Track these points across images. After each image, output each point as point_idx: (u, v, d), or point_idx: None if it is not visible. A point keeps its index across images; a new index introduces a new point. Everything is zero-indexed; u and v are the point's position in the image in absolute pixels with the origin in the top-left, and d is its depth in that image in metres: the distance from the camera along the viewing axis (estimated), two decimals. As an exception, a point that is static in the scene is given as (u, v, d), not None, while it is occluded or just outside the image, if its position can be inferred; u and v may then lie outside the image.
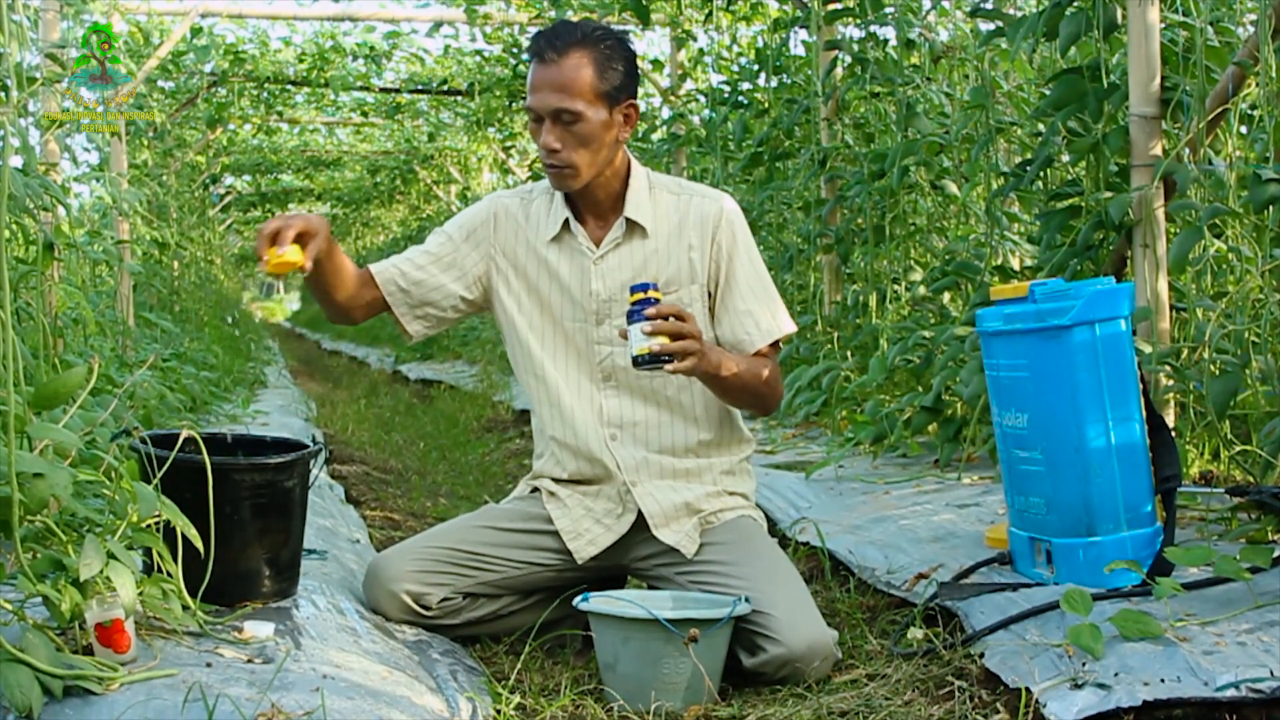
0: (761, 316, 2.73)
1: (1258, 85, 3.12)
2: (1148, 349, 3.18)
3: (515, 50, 9.58)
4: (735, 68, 7.58)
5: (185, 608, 2.11)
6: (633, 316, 2.44)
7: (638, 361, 2.44)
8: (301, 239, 2.44)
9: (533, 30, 9.19)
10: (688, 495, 2.73)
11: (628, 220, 2.73)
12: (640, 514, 2.72)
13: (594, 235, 2.77)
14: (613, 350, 2.74)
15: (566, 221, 2.76)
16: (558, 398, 2.78)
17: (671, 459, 2.76)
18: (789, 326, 2.78)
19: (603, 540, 2.75)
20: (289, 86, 10.97)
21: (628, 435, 2.75)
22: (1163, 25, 3.33)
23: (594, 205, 2.76)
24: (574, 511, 2.76)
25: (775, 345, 2.75)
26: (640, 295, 2.45)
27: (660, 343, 2.42)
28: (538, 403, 2.84)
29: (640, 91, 9.66)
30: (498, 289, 2.82)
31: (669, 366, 2.44)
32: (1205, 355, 3.04)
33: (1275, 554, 2.30)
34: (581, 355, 2.77)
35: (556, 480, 2.81)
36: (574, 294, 2.75)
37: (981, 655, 2.25)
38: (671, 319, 2.43)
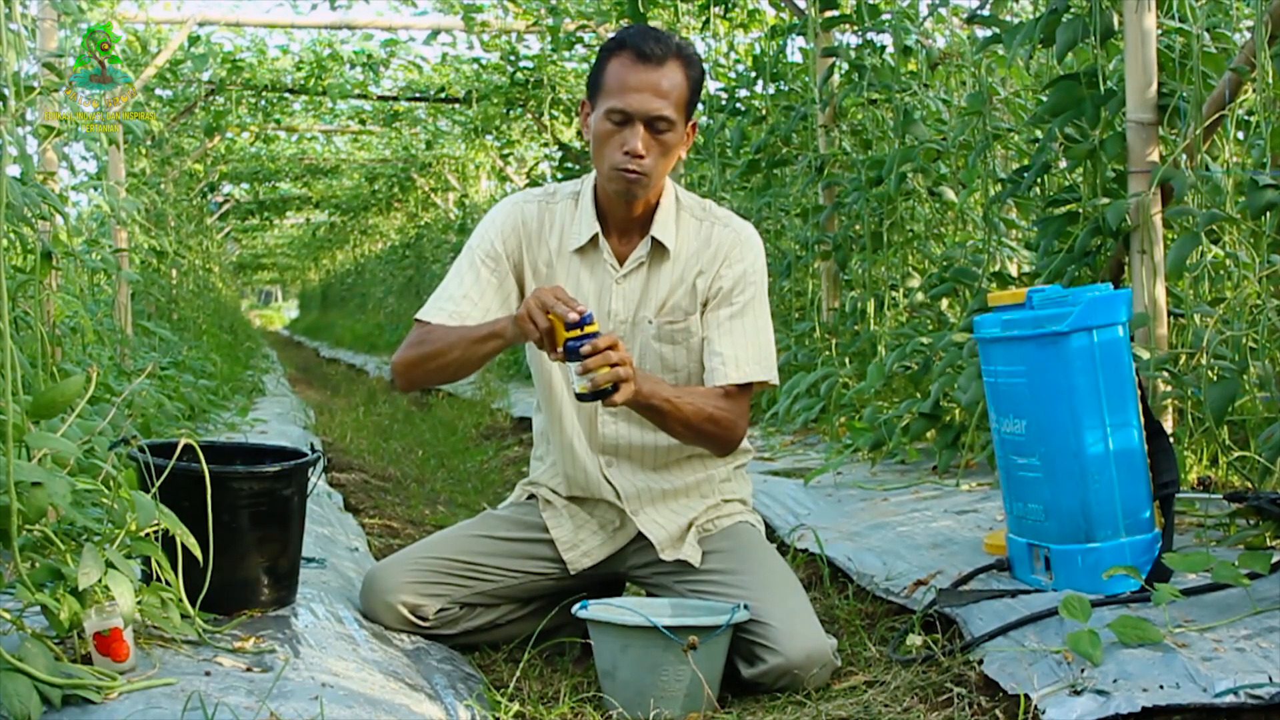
0: (741, 352, 2.63)
1: (1254, 91, 3.13)
2: (1145, 355, 3.18)
3: (513, 58, 9.59)
4: (733, 75, 7.58)
5: (184, 616, 2.11)
6: (570, 354, 2.35)
7: (581, 398, 2.39)
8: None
9: (530, 38, 9.21)
10: (689, 515, 2.72)
11: (653, 240, 2.66)
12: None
13: (618, 252, 2.68)
14: None
15: (595, 236, 2.66)
16: (559, 417, 2.74)
17: (670, 477, 2.73)
18: (767, 376, 2.65)
19: (599, 553, 2.75)
20: (287, 94, 10.97)
21: (624, 460, 2.72)
22: (1159, 31, 3.34)
23: (624, 220, 2.66)
24: (570, 522, 2.75)
25: (747, 388, 2.65)
26: (576, 332, 2.34)
27: (592, 379, 2.35)
28: (544, 413, 2.80)
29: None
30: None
31: (609, 400, 2.37)
32: (1203, 361, 3.05)
33: (1274, 560, 2.30)
34: None
35: (555, 492, 2.80)
36: (592, 310, 2.66)
37: (980, 662, 2.25)
38: (606, 351, 2.33)
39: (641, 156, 2.52)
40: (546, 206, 2.73)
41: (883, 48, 5.20)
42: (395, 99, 11.05)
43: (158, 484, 2.17)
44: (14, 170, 3.24)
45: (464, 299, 2.64)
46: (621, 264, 2.68)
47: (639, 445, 2.71)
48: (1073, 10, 3.51)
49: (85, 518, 2.20)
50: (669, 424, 2.56)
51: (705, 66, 2.61)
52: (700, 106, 7.68)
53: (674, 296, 2.67)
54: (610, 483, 2.72)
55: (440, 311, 2.63)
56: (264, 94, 10.88)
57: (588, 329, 2.35)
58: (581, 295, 2.66)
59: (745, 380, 2.63)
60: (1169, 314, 3.36)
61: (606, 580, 2.81)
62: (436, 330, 2.60)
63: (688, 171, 8.12)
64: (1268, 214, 3.05)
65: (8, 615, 1.90)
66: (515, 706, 2.33)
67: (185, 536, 2.12)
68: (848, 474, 4.26)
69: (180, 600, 2.13)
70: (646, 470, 2.73)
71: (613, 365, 2.34)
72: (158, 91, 10.00)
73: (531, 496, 2.84)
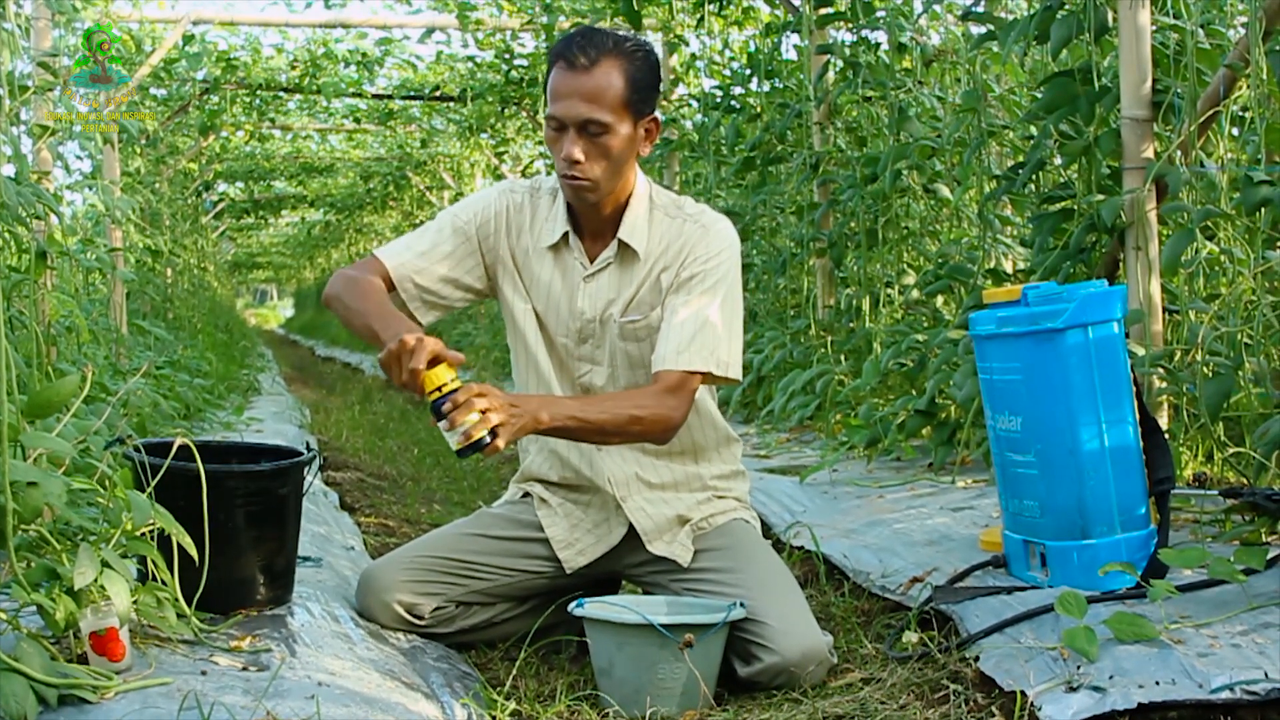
0: (687, 340, 2.54)
1: (1249, 87, 3.13)
2: (1141, 351, 3.18)
3: (508, 56, 9.59)
4: (727, 72, 7.58)
5: (180, 616, 2.11)
6: (435, 414, 2.30)
7: (460, 454, 2.30)
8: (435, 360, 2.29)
9: (524, 36, 9.20)
10: (679, 507, 2.72)
11: (620, 242, 2.66)
12: (632, 524, 2.71)
13: (590, 251, 2.69)
14: (592, 369, 2.70)
15: (566, 234, 2.68)
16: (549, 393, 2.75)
17: (659, 468, 2.73)
18: (711, 366, 2.53)
19: (593, 551, 2.75)
20: (281, 93, 10.97)
21: (614, 446, 2.72)
22: (1154, 28, 3.34)
23: (594, 220, 2.66)
24: (565, 520, 2.75)
25: (689, 378, 2.53)
26: (437, 393, 2.28)
27: (464, 432, 2.26)
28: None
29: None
30: (503, 285, 2.74)
31: (489, 449, 2.28)
32: (1198, 357, 3.05)
33: (1269, 556, 2.30)
34: (564, 367, 2.73)
35: (547, 483, 2.80)
36: (562, 308, 2.69)
37: (976, 658, 2.25)
38: (470, 400, 2.26)
39: (579, 162, 2.51)
40: (531, 199, 2.75)
41: (877, 45, 5.20)
42: (390, 97, 11.04)
43: (153, 483, 2.17)
44: (9, 169, 3.24)
45: (421, 256, 2.68)
46: (592, 263, 2.69)
47: None
48: (1067, 7, 3.51)
49: (81, 517, 2.19)
50: (585, 438, 2.53)
51: (655, 58, 2.58)
52: (694, 103, 7.72)
53: (639, 294, 2.66)
54: (602, 466, 2.70)
55: (396, 257, 2.66)
56: (258, 93, 10.87)
57: (446, 387, 2.28)
58: (553, 292, 2.70)
59: (681, 369, 2.52)
60: (1164, 310, 3.37)
61: (602, 578, 2.81)
62: (371, 291, 2.58)
63: (683, 169, 8.13)
64: (1262, 210, 3.05)
65: (3, 615, 1.89)
66: (512, 705, 2.34)
67: (181, 536, 2.12)
68: (843, 471, 4.26)
69: (176, 599, 2.12)
70: (635, 453, 2.72)
71: (483, 412, 2.27)
72: (152, 90, 10.00)
73: (526, 495, 2.84)
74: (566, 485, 2.78)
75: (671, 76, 8.44)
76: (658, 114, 2.62)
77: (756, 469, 4.44)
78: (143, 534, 2.09)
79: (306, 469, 2.55)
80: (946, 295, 4.86)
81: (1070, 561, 2.46)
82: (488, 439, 2.28)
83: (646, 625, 2.31)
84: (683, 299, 2.60)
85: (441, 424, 2.29)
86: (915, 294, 5.08)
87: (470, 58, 10.14)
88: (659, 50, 8.59)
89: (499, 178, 13.79)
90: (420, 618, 2.66)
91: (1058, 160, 3.85)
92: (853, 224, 5.38)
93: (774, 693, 2.42)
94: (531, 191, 2.76)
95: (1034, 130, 3.97)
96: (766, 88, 6.47)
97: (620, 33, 2.57)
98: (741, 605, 2.44)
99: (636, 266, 2.66)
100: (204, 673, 1.94)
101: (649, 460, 2.73)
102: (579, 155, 2.51)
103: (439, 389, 2.28)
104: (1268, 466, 2.75)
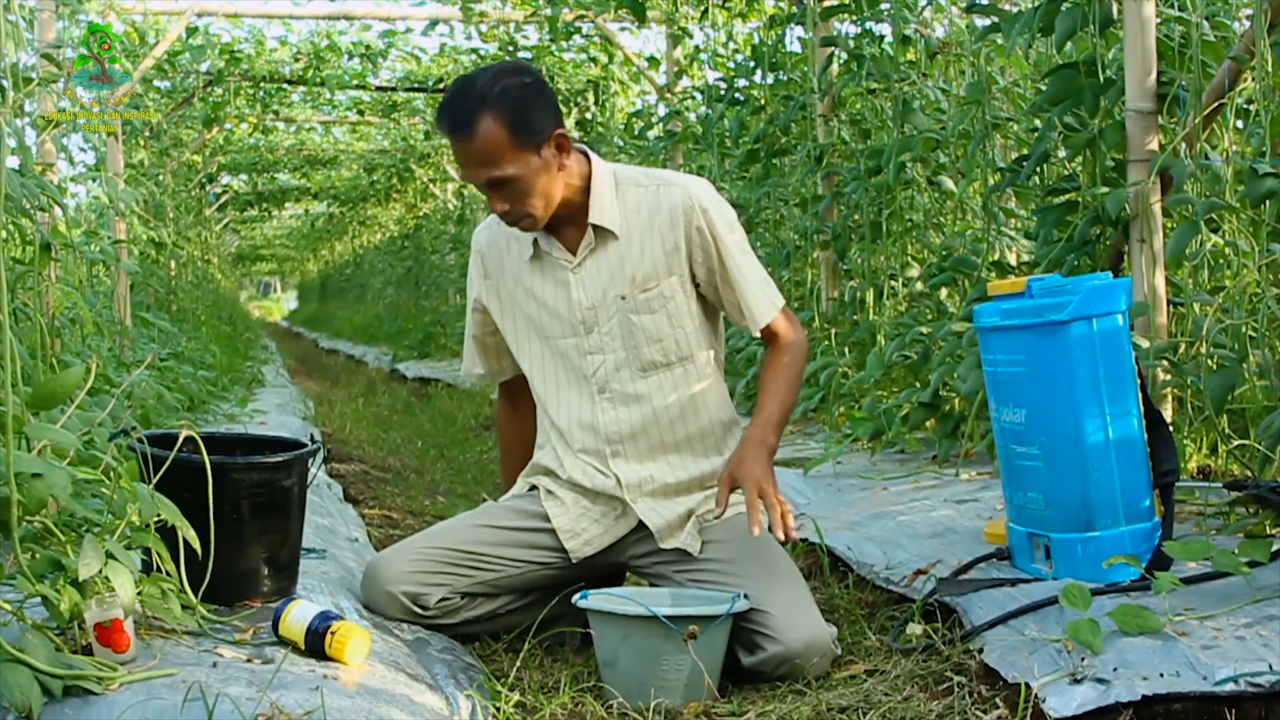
0: (759, 288, 2.73)
1: (1254, 80, 3.12)
2: (1145, 344, 3.18)
3: (511, 49, 9.58)
4: (731, 64, 7.57)
5: (185, 607, 2.11)
6: None
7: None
8: None
9: (528, 29, 9.19)
10: (689, 504, 2.73)
11: (595, 226, 2.70)
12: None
13: (569, 244, 2.73)
14: (604, 358, 2.71)
15: (535, 240, 2.74)
16: (556, 418, 2.78)
17: (675, 468, 2.73)
18: (779, 298, 2.77)
19: (600, 541, 2.75)
20: (285, 85, 10.95)
21: (630, 448, 2.72)
22: (1158, 20, 3.33)
23: (561, 221, 2.70)
24: (572, 510, 2.76)
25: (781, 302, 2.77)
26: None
27: None
28: (540, 414, 2.85)
29: (636, 89, 9.65)
30: (503, 324, 2.84)
31: None
32: (1203, 350, 3.05)
33: (1273, 548, 2.30)
34: (576, 371, 2.74)
35: (555, 477, 2.81)
36: (560, 309, 2.73)
37: (980, 650, 2.25)
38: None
39: (508, 210, 2.60)
40: (498, 226, 2.79)
41: (881, 37, 5.19)
42: (393, 90, 11.03)
43: (158, 475, 2.17)
44: (13, 162, 3.24)
45: (476, 361, 2.97)
46: (575, 254, 2.72)
47: (641, 433, 2.71)
48: (1072, -1, 3.51)
49: (85, 509, 2.19)
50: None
51: (530, 78, 2.60)
52: (697, 95, 7.69)
53: (643, 265, 2.69)
54: (614, 471, 2.72)
55: (497, 376, 2.97)
56: (262, 85, 10.86)
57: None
58: (546, 297, 2.75)
59: (777, 311, 2.75)
60: (1168, 303, 3.36)
61: (607, 571, 2.82)
62: (503, 456, 3.07)
63: (687, 161, 8.12)
64: (1267, 202, 3.05)
65: (8, 606, 1.90)
66: (516, 696, 2.34)
67: (185, 528, 2.12)
68: (847, 464, 4.26)
69: (181, 591, 2.13)
70: (646, 461, 2.72)
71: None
72: (156, 83, 9.99)
73: (533, 488, 2.85)
74: (574, 485, 2.78)
75: (676, 69, 8.44)
76: (559, 127, 2.60)
77: (760, 461, 4.43)
78: (147, 526, 2.09)
79: (311, 461, 2.56)
80: (951, 288, 4.85)
81: (1074, 554, 2.46)
82: None
83: (651, 617, 2.31)
84: (725, 264, 2.69)
85: None
86: (919, 286, 5.07)
87: (474, 50, 10.12)
88: (663, 43, 8.59)
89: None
90: (425, 609, 2.67)
91: (1062, 153, 3.84)
92: (857, 216, 5.38)
93: (778, 684, 2.43)
94: (496, 222, 2.78)
95: (1038, 123, 3.96)
96: (770, 80, 6.45)
97: (487, 73, 2.57)
98: (745, 597, 2.44)
99: (621, 242, 2.69)
100: (210, 664, 1.95)
101: (664, 462, 2.73)
102: (504, 207, 2.60)
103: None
104: (1272, 459, 2.75)
